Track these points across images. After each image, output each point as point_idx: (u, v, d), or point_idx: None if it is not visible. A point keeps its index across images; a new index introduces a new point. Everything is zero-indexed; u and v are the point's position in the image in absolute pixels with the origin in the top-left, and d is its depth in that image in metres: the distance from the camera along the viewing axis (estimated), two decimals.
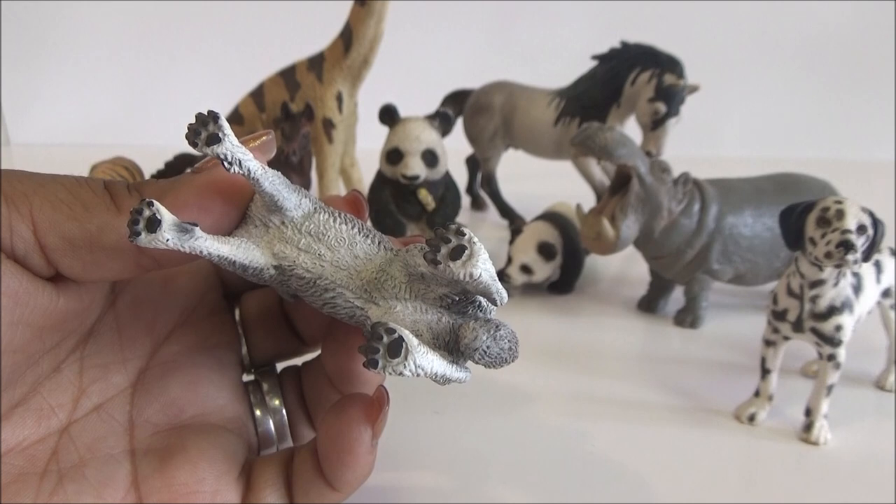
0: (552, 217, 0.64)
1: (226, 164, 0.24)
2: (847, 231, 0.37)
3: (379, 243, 0.27)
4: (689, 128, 0.75)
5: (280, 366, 0.35)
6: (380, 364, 0.22)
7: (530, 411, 0.43)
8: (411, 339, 0.22)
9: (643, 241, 0.55)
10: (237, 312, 0.33)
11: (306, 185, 0.70)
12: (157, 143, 1.00)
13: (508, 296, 0.25)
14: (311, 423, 0.33)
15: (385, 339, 0.22)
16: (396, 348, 0.22)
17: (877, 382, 0.47)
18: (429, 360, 0.22)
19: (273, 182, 0.25)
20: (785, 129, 1.32)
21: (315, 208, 0.27)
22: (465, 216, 0.83)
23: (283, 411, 0.33)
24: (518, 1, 1.27)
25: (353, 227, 0.27)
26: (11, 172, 0.25)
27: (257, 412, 0.32)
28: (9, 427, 0.26)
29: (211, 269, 0.32)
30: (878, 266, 0.43)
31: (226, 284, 0.33)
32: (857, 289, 0.41)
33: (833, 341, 0.40)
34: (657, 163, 0.52)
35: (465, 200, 0.80)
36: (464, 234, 0.23)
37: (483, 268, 0.23)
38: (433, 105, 0.75)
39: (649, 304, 0.60)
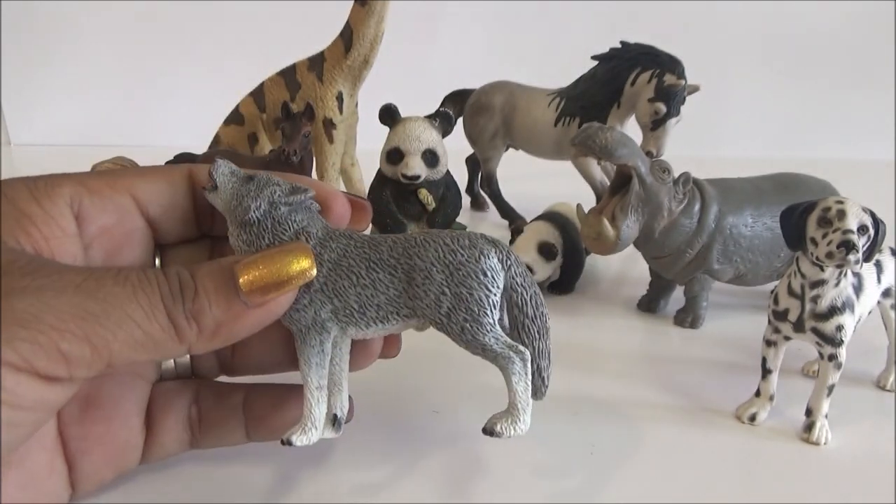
0: (552, 217, 0.64)
1: None
2: (848, 231, 0.37)
3: None
4: (689, 128, 0.75)
5: None
6: None
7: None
8: None
9: (643, 241, 0.54)
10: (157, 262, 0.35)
11: None
12: (157, 143, 1.00)
13: None
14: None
15: None
16: None
17: (877, 382, 0.47)
18: None
19: None
20: (785, 129, 1.32)
21: None
22: (465, 216, 0.83)
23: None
24: (518, 1, 1.27)
25: None
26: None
27: None
28: None
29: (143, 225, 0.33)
30: (879, 266, 0.43)
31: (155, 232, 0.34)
32: (858, 289, 0.41)
33: (834, 341, 0.40)
34: (657, 163, 0.52)
35: (466, 200, 0.80)
36: None
37: None
38: (433, 105, 0.75)
39: (649, 304, 0.60)
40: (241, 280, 0.29)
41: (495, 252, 0.33)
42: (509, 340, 0.33)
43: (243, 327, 0.29)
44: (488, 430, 0.32)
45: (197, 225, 0.35)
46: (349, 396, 0.34)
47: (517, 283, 0.33)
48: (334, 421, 0.34)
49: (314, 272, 0.31)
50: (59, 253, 0.29)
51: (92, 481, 0.32)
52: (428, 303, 0.32)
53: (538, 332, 0.34)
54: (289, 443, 0.32)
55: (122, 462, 0.33)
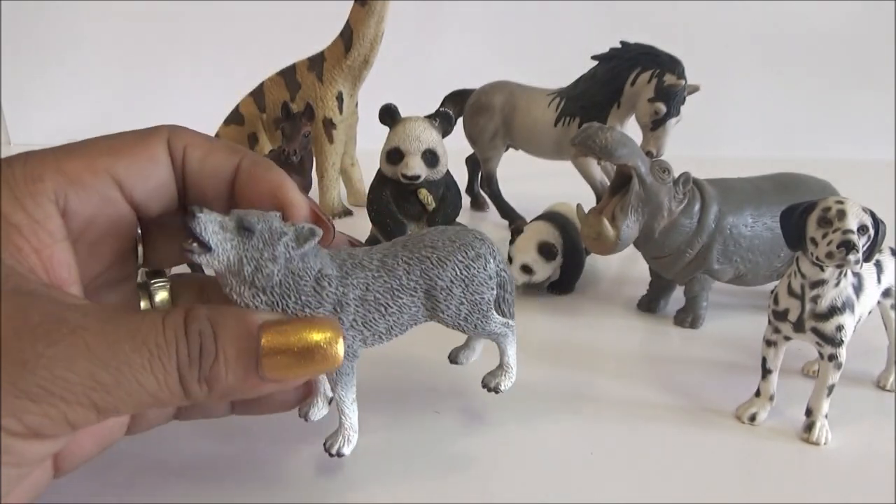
0: (552, 217, 0.64)
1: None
2: (848, 231, 0.37)
3: None
4: (689, 128, 0.75)
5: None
6: None
7: (530, 411, 0.43)
8: None
9: (643, 241, 0.55)
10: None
11: (306, 185, 0.70)
12: None
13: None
14: None
15: None
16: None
17: (877, 382, 0.47)
18: None
19: None
20: (785, 129, 1.32)
21: None
22: (465, 216, 0.83)
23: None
24: (518, 1, 1.27)
25: None
26: None
27: (142, 304, 0.34)
28: None
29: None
30: (879, 266, 0.43)
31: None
32: (858, 289, 0.41)
33: (834, 341, 0.40)
34: (657, 163, 0.52)
35: (466, 200, 0.80)
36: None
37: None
38: (433, 105, 0.75)
39: (649, 304, 0.60)
40: (262, 341, 0.28)
41: (489, 252, 0.37)
42: (502, 319, 0.38)
43: (253, 394, 0.29)
44: (493, 388, 0.39)
45: (178, 196, 0.33)
46: None
47: (500, 268, 0.38)
48: (330, 400, 0.37)
49: (341, 355, 0.29)
50: (51, 265, 0.28)
51: (76, 461, 0.32)
52: (449, 314, 0.36)
53: (513, 301, 0.40)
54: (339, 455, 0.35)
55: (108, 439, 0.33)
